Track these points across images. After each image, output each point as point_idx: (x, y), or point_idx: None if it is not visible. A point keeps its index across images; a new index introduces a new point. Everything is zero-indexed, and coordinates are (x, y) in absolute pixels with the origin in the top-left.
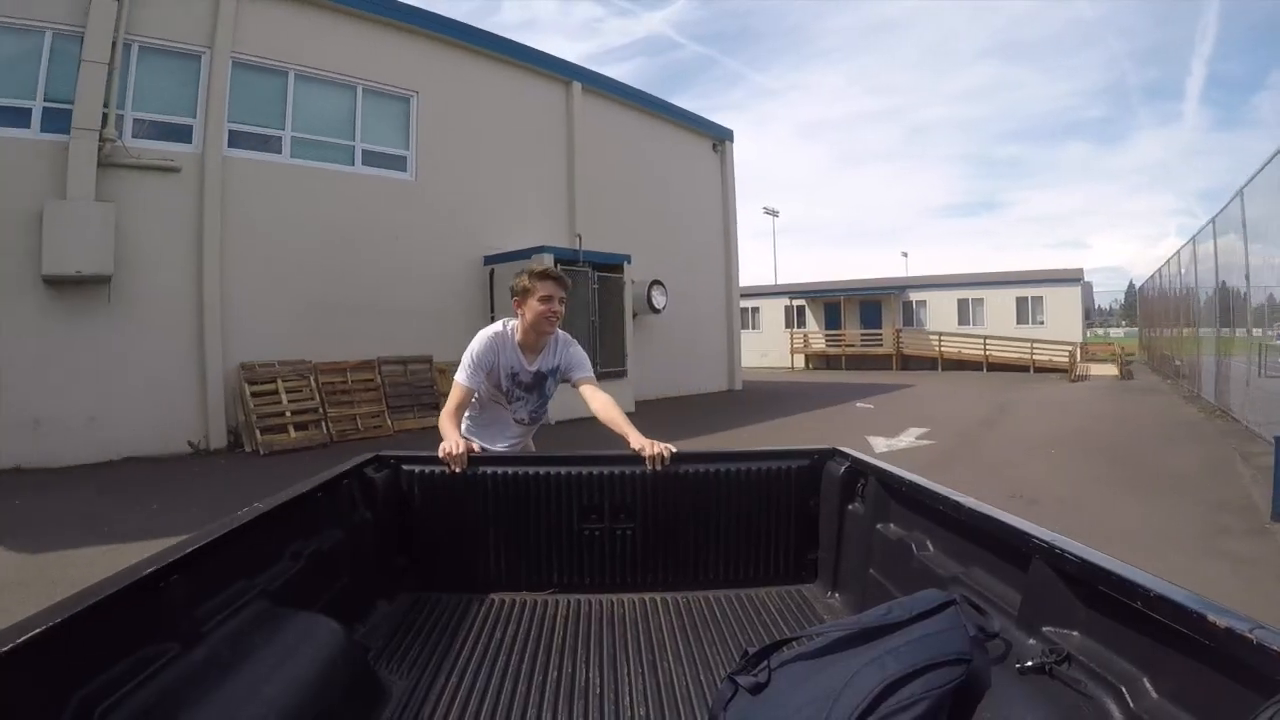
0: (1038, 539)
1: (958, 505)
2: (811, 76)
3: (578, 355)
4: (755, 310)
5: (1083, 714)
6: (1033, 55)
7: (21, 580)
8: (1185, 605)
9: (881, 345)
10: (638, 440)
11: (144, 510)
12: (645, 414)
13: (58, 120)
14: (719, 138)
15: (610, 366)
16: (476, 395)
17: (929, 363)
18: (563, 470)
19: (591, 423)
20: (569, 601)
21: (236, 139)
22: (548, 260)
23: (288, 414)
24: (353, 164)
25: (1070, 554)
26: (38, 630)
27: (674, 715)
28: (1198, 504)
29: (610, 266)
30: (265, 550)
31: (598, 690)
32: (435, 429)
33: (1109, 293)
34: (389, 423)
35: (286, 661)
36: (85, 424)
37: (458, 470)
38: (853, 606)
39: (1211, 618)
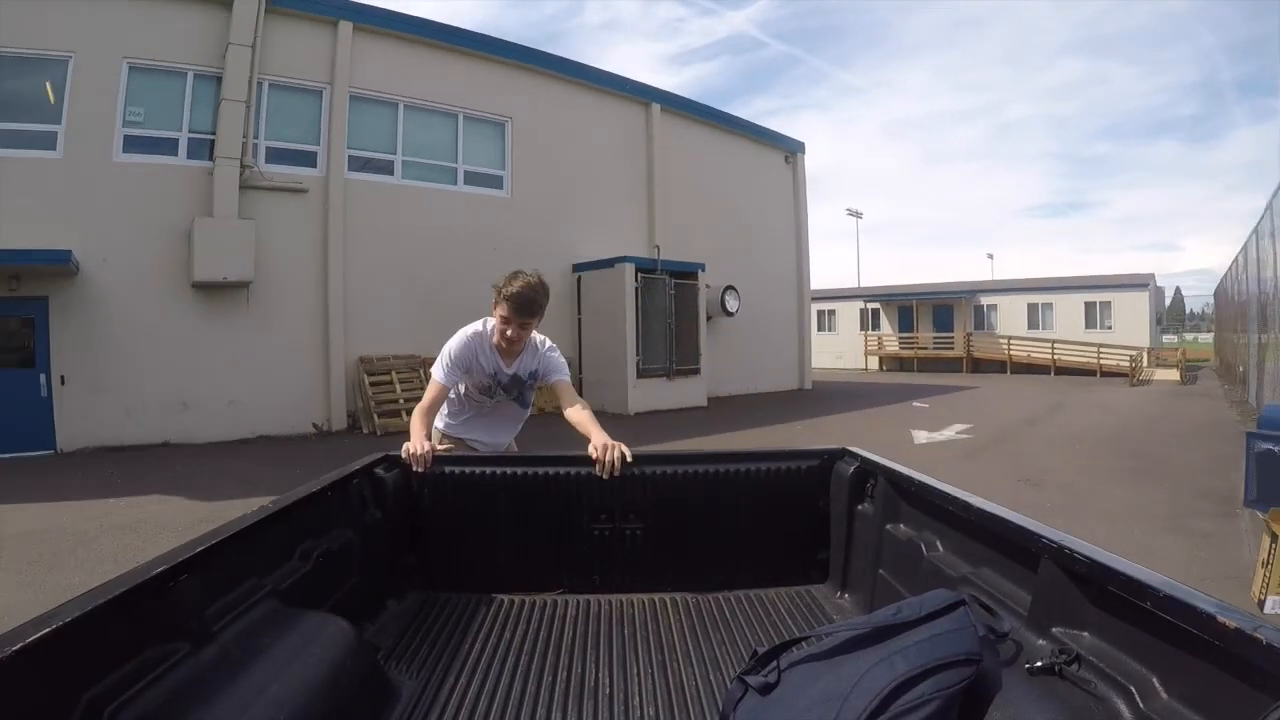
0: (1047, 539)
1: (967, 505)
2: (896, 74)
3: (555, 360)
4: (831, 313)
5: (1093, 714)
6: (1120, 50)
7: (211, 518)
8: (1195, 606)
9: (953, 348)
10: (599, 439)
11: (289, 473)
12: (718, 409)
13: (200, 149)
14: (790, 150)
15: (684, 365)
16: (464, 393)
17: (998, 366)
18: (572, 470)
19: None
20: (578, 602)
21: (355, 163)
22: (519, 282)
23: (400, 401)
24: (455, 184)
25: (1080, 554)
26: (48, 629)
27: (684, 716)
28: (1183, 491)
29: (685, 274)
30: (275, 550)
31: (607, 691)
32: (531, 425)
33: (1200, 297)
34: None
35: (296, 661)
36: (225, 406)
37: (420, 471)
38: (862, 607)
39: (1221, 618)
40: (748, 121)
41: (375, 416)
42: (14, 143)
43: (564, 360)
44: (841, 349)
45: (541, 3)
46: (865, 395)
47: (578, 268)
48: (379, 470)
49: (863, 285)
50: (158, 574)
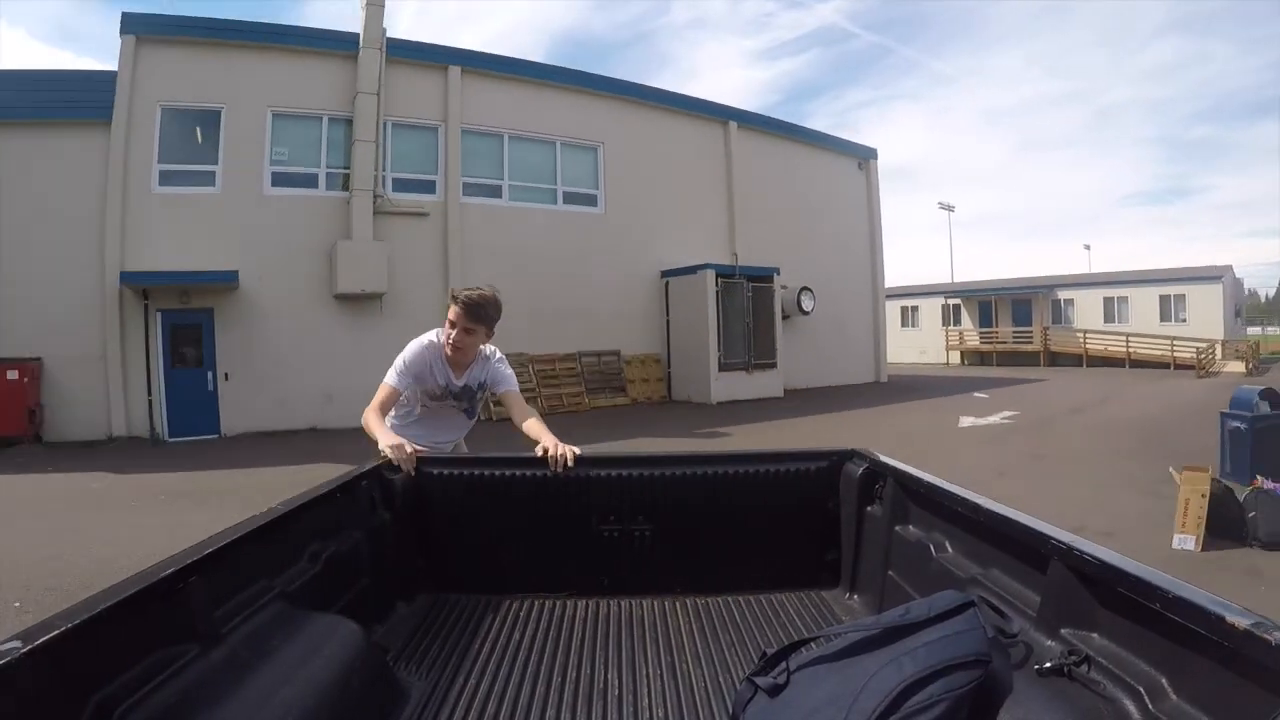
0: (1056, 540)
1: (976, 507)
2: (988, 60)
3: (502, 371)
4: (914, 309)
5: (1102, 716)
6: (1217, 28)
7: None
8: (1204, 607)
9: (1031, 343)
10: (548, 441)
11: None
12: (792, 399)
13: (336, 181)
14: (863, 157)
15: (762, 359)
16: (419, 399)
17: (1075, 360)
18: (580, 472)
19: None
20: (587, 603)
21: (468, 188)
22: (472, 291)
23: None
24: (555, 203)
25: (1089, 556)
26: (57, 631)
27: (693, 717)
28: (1168, 463)
29: (762, 278)
30: (284, 552)
31: (616, 692)
32: (620, 407)
33: None
34: (586, 400)
35: (305, 663)
36: (362, 397)
37: (411, 472)
38: (871, 608)
39: (1230, 619)
40: (821, 133)
41: (491, 405)
42: (181, 181)
43: (512, 373)
44: (925, 344)
45: (628, 3)
46: (934, 388)
47: (665, 274)
48: (387, 472)
49: (956, 280)
50: (166, 576)
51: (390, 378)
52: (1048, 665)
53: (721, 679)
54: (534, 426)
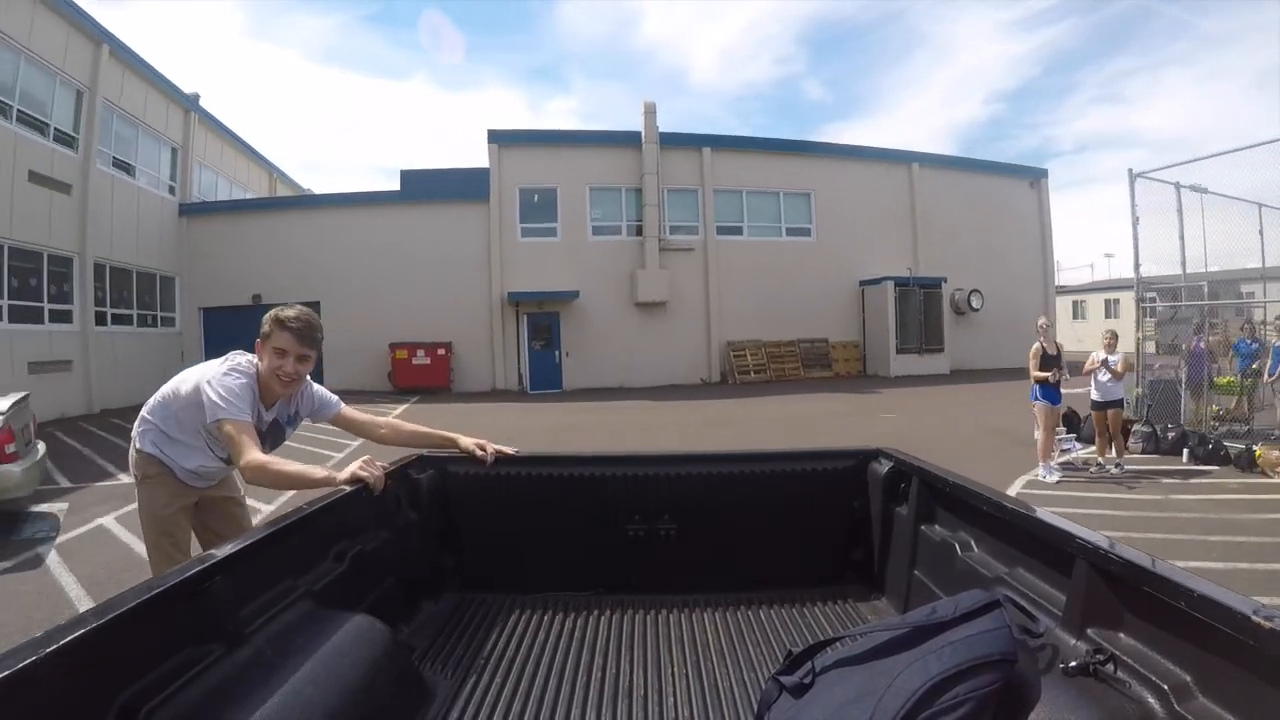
0: (1081, 540)
1: (1001, 506)
2: (1269, 15)
3: (320, 393)
4: (1082, 303)
5: (1127, 715)
6: None
7: (657, 412)
8: (1230, 606)
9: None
10: (468, 441)
11: (690, 393)
12: (956, 376)
13: (633, 230)
14: (1034, 178)
15: (931, 345)
16: (204, 438)
17: None
18: (605, 471)
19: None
20: (612, 602)
21: (720, 230)
22: (294, 309)
23: (750, 368)
24: (780, 236)
25: (1114, 555)
26: (82, 631)
27: (718, 717)
28: None
29: (931, 285)
30: (310, 551)
31: (642, 691)
32: (825, 378)
33: None
34: (802, 372)
35: (331, 662)
36: (651, 368)
37: (378, 493)
38: (897, 607)
39: (1256, 619)
40: (993, 161)
41: (735, 374)
42: (535, 234)
43: (326, 390)
44: (1086, 334)
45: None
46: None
47: (861, 284)
48: (413, 472)
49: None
50: (191, 576)
51: (235, 413)
52: (1073, 665)
53: (747, 678)
54: (418, 429)
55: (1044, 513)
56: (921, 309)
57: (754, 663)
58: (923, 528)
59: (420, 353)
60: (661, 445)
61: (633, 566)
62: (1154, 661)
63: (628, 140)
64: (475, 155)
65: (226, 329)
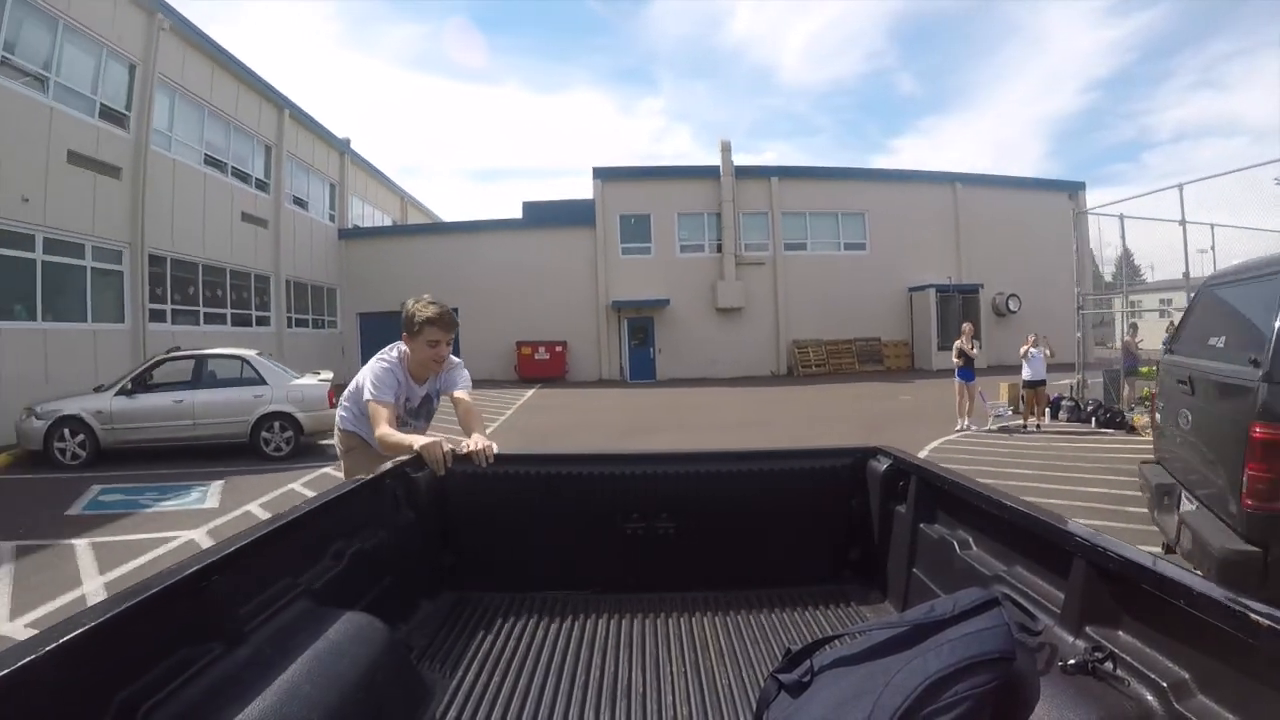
0: (1080, 538)
1: (1000, 504)
2: None
3: (458, 374)
4: (1169, 300)
5: (1126, 713)
6: None
7: (734, 392)
8: (1228, 604)
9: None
10: (470, 438)
11: (760, 382)
12: (989, 371)
13: (714, 247)
14: (1072, 190)
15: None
16: (360, 404)
17: None
18: (604, 469)
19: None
20: (611, 601)
21: (787, 246)
22: (432, 306)
23: (812, 362)
24: (839, 250)
25: (1112, 553)
26: (81, 629)
27: (717, 715)
28: None
29: (969, 291)
30: (308, 550)
31: (640, 690)
32: (877, 372)
33: None
34: (856, 366)
35: (329, 660)
36: (729, 363)
37: (441, 472)
38: (895, 605)
39: (1254, 616)
40: (1032, 178)
41: (799, 367)
42: (633, 252)
43: (466, 372)
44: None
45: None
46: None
47: (911, 289)
48: (411, 470)
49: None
50: (190, 574)
51: (381, 395)
52: (1072, 663)
53: (745, 676)
54: (468, 422)
55: (1042, 510)
56: (960, 311)
57: (752, 661)
58: (921, 526)
59: (541, 349)
60: (732, 416)
61: (631, 565)
62: (1153, 659)
63: (708, 174)
64: (566, 157)
65: (379, 330)
